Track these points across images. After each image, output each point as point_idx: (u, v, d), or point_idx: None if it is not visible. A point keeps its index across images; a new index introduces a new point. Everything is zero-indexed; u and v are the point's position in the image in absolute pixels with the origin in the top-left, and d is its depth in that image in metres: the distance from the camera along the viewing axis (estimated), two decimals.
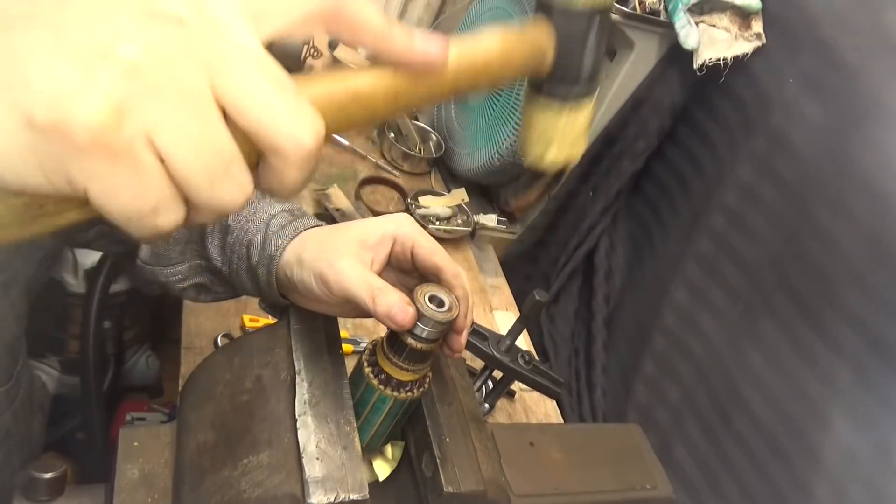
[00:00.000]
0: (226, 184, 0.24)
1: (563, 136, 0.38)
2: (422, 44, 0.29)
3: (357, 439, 0.46)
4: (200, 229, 0.58)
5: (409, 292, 0.48)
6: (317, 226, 0.56)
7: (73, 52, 0.22)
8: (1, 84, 0.21)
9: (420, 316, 0.46)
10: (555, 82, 0.36)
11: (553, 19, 0.34)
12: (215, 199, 0.24)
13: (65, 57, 0.22)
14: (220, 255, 0.57)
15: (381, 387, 0.49)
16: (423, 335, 0.47)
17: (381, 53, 0.29)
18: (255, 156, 0.25)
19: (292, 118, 0.25)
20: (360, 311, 0.51)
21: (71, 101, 0.21)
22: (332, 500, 0.42)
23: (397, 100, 0.30)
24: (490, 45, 0.33)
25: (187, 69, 0.23)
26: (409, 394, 0.50)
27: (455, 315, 0.47)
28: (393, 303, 0.45)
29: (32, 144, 0.21)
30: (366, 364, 0.50)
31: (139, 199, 0.23)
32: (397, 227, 0.51)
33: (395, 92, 0.29)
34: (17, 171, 0.22)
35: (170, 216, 0.24)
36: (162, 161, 0.23)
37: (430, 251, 0.50)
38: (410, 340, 0.47)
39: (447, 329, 0.48)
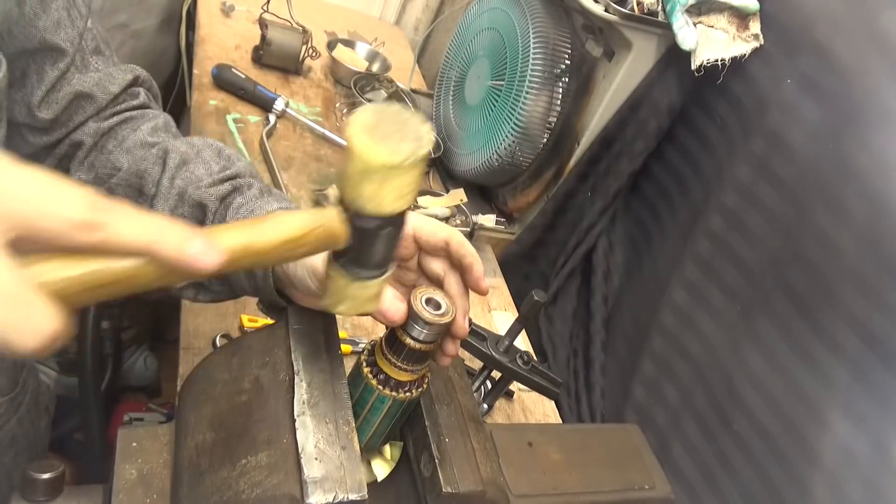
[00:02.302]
0: None
1: (352, 300, 0.42)
2: (193, 250, 0.30)
3: (356, 439, 0.46)
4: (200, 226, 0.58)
5: (407, 290, 0.48)
6: None
7: None
8: None
9: (417, 317, 0.47)
10: (347, 262, 0.39)
11: (347, 215, 0.37)
12: None
13: None
14: None
15: (380, 387, 0.49)
16: (421, 337, 0.47)
17: (147, 256, 0.29)
18: None
19: (17, 324, 0.27)
20: None
21: None
22: (330, 500, 0.42)
23: (160, 281, 0.30)
24: (277, 231, 0.34)
25: None
26: (407, 394, 0.50)
27: (451, 318, 0.48)
28: (385, 298, 0.46)
29: None
30: (364, 364, 0.50)
31: None
32: None
33: (159, 276, 0.30)
34: None
35: None
36: None
37: (433, 231, 0.50)
38: (409, 340, 0.47)
39: (445, 330, 0.48)
